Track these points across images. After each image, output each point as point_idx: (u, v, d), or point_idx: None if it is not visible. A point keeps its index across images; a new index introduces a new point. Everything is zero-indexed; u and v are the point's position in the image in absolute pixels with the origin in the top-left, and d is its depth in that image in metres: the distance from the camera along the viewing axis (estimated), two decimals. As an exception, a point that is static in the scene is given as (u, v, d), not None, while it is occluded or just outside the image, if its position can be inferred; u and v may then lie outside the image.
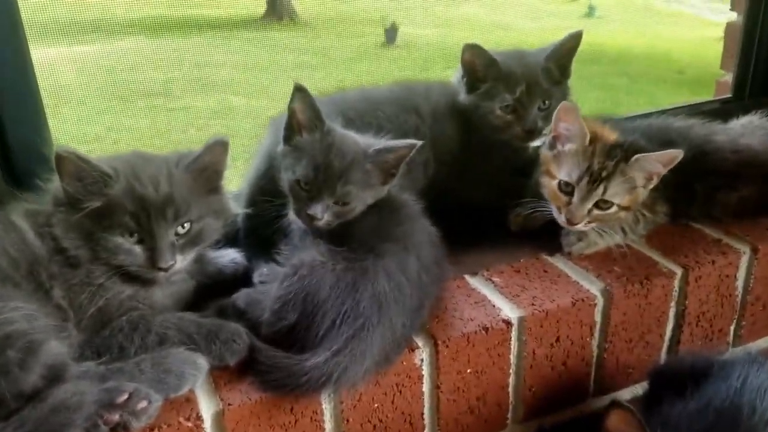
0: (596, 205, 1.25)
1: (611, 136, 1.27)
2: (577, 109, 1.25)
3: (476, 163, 1.41)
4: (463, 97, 1.39)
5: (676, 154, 1.22)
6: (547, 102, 1.38)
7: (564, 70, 1.41)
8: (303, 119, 1.10)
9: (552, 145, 1.29)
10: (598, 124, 1.30)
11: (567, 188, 1.26)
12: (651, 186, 1.27)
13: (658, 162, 1.23)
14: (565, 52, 1.40)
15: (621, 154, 1.23)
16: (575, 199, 1.25)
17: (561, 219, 1.27)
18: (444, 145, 1.38)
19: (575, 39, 1.39)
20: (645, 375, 1.27)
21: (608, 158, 1.23)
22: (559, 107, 1.26)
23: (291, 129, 1.12)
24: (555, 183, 1.27)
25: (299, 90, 1.09)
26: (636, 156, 1.22)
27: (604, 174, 1.23)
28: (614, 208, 1.25)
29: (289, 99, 1.11)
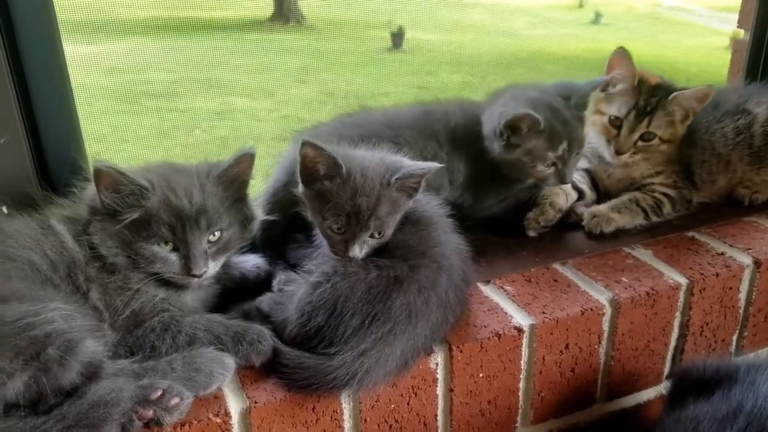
0: (641, 137, 1.49)
1: (654, 79, 1.52)
2: (629, 55, 1.48)
3: (492, 183, 1.45)
4: (499, 151, 1.37)
5: (709, 91, 1.45)
6: (580, 150, 1.41)
7: (585, 107, 1.44)
8: (321, 170, 1.09)
9: (604, 89, 1.51)
10: (644, 71, 1.53)
11: (616, 122, 1.50)
12: (687, 123, 1.51)
13: (693, 98, 1.47)
14: (590, 94, 1.44)
15: (662, 92, 1.48)
16: (623, 131, 1.49)
17: (610, 150, 1.51)
18: (460, 170, 1.41)
19: (601, 83, 1.45)
20: (660, 378, 1.35)
21: (652, 96, 1.48)
22: (612, 55, 1.49)
23: (308, 175, 1.11)
24: (606, 118, 1.51)
25: (308, 145, 1.07)
26: (674, 93, 1.46)
27: (648, 109, 1.47)
28: (656, 140, 1.49)
29: (298, 145, 1.09)
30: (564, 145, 1.37)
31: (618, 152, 1.50)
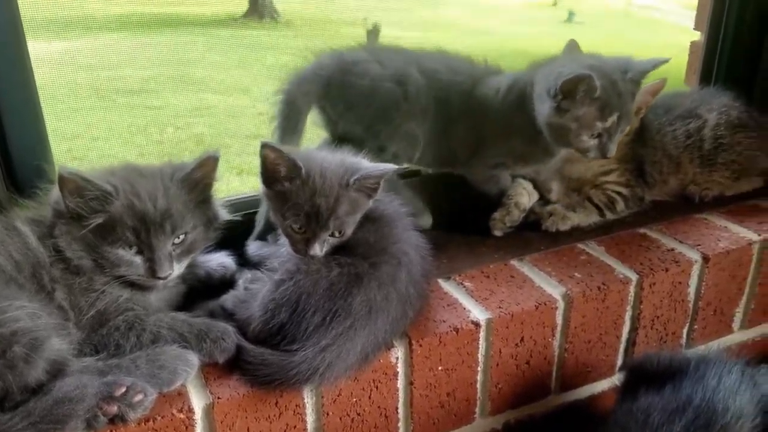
0: None
1: None
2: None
3: (498, 137, 1.44)
4: (548, 113, 1.33)
5: (662, 84, 1.50)
6: (626, 127, 1.40)
7: (640, 86, 1.41)
8: (282, 172, 1.12)
9: None
10: None
11: None
12: (640, 116, 1.55)
13: (647, 93, 1.51)
14: (648, 72, 1.39)
15: None
16: None
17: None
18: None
19: (662, 64, 1.39)
20: (613, 369, 1.40)
21: None
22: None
23: (269, 177, 1.14)
24: None
25: (267, 147, 1.11)
26: None
27: None
28: None
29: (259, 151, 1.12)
30: (614, 118, 1.33)
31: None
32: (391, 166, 1.17)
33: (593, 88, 1.28)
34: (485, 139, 1.44)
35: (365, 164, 1.17)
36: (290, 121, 1.35)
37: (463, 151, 1.46)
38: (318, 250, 1.13)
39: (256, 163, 1.15)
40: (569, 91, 1.29)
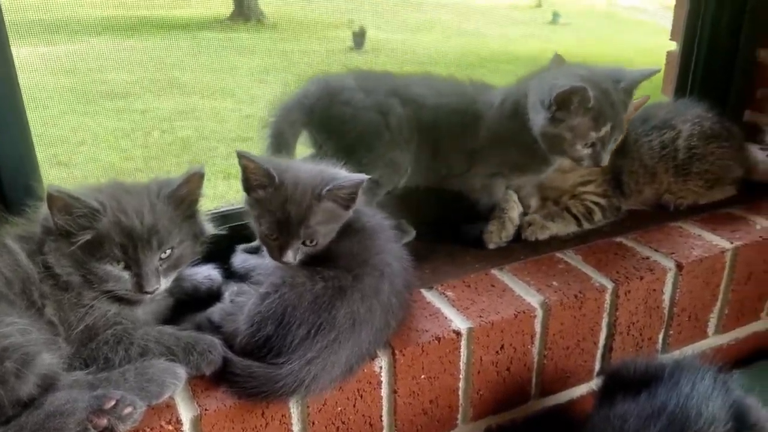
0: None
1: None
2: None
3: (493, 151, 1.47)
4: (543, 123, 1.36)
5: (644, 100, 1.56)
6: (620, 136, 1.43)
7: (632, 96, 1.44)
8: (255, 180, 1.17)
9: None
10: None
11: None
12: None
13: (632, 107, 1.48)
14: (640, 82, 1.42)
15: None
16: None
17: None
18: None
19: (653, 74, 1.43)
20: (591, 375, 1.44)
21: None
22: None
23: (248, 185, 1.19)
24: None
25: (242, 157, 1.15)
26: None
27: None
28: None
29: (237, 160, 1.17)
30: (607, 128, 1.37)
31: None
32: (363, 176, 1.18)
33: (587, 99, 1.32)
34: (483, 150, 1.47)
35: (341, 175, 1.20)
36: (280, 152, 1.37)
37: (459, 166, 1.49)
38: (291, 257, 1.17)
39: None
40: (564, 102, 1.33)
